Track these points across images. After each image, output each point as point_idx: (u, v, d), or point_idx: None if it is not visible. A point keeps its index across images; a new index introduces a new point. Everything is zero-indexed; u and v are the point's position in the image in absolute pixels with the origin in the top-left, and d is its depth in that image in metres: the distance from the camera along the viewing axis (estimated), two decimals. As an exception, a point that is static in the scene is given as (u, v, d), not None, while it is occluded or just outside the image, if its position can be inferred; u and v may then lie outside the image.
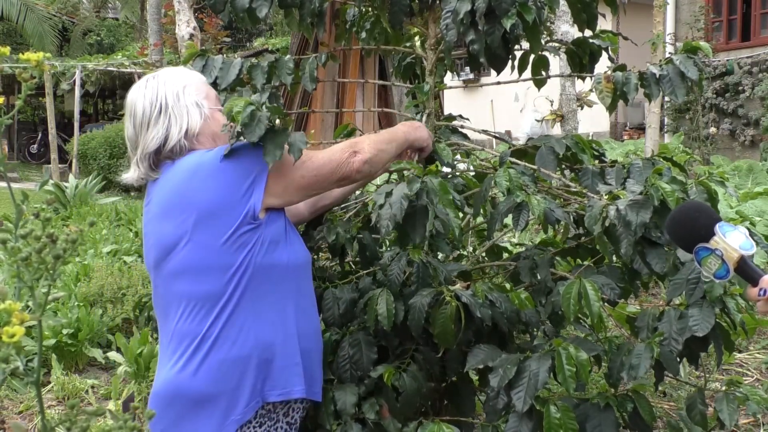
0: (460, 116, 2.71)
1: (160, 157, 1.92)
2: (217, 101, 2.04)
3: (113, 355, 4.33)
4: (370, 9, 2.68)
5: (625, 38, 2.69)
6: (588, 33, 2.60)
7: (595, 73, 2.52)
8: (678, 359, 2.13)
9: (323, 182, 1.98)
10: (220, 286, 1.82)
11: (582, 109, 8.03)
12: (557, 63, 4.29)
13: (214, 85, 2.42)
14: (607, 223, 2.08)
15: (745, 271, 1.40)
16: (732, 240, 1.40)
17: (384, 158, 2.08)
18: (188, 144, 1.92)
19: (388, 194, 2.01)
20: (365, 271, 2.34)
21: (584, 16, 2.50)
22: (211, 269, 1.82)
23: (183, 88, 1.95)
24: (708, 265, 1.42)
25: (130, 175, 1.97)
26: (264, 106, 1.89)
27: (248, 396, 1.83)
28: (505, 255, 2.85)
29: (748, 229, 1.51)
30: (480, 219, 2.70)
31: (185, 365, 1.82)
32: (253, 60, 2.52)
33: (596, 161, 2.49)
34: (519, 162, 2.36)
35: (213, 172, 1.84)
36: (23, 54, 1.00)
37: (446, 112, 2.82)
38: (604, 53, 2.63)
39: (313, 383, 1.96)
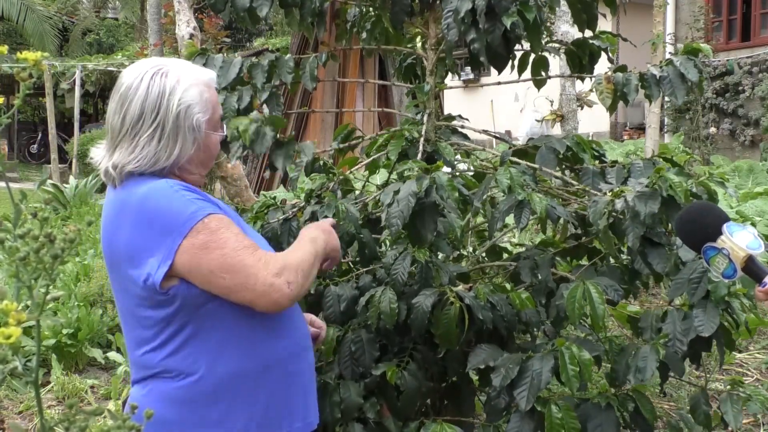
0: (460, 116, 2.71)
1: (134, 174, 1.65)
2: (219, 122, 1.78)
3: (113, 355, 4.32)
4: (370, 9, 2.68)
5: (625, 39, 2.69)
6: (588, 33, 2.60)
7: (595, 74, 2.52)
8: (682, 360, 2.13)
9: (228, 291, 1.58)
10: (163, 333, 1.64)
11: (582, 109, 8.01)
12: (557, 63, 4.28)
13: None
14: (611, 219, 2.07)
15: (753, 270, 1.39)
16: (739, 239, 1.39)
17: (306, 288, 1.69)
18: (170, 169, 1.68)
19: (396, 192, 2.00)
20: (365, 269, 2.34)
21: (584, 16, 2.51)
22: (145, 319, 1.65)
23: (187, 108, 1.65)
24: (716, 265, 1.42)
25: (101, 158, 1.69)
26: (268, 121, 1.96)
27: None
28: (505, 255, 2.85)
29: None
30: (480, 219, 2.70)
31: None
32: (254, 59, 2.51)
33: (596, 161, 2.49)
34: (520, 161, 2.36)
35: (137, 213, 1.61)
36: (21, 53, 0.99)
37: (446, 112, 2.82)
38: (603, 53, 2.63)
39: (301, 416, 1.74)
